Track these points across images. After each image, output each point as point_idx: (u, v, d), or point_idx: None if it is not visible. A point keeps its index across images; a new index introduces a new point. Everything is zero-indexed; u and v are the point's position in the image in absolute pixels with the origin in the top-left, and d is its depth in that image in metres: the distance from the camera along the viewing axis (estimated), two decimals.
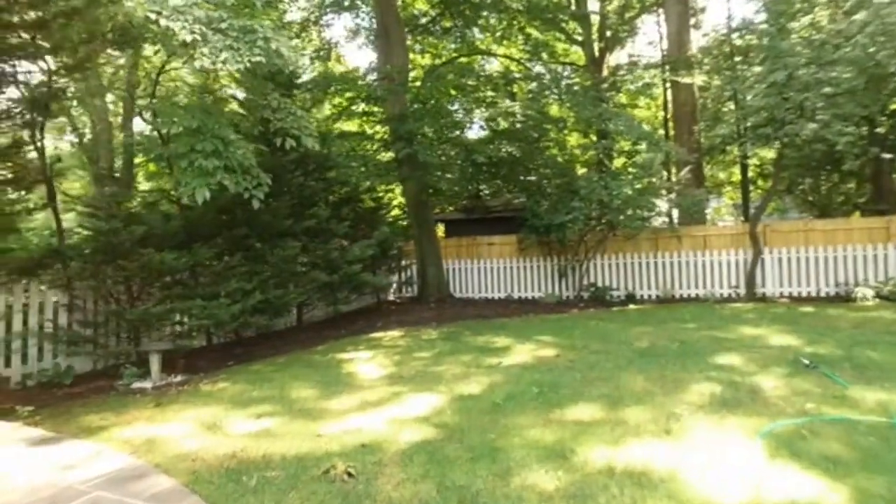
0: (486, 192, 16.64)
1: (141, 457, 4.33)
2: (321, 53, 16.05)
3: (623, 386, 5.68)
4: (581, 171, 15.73)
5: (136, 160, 11.32)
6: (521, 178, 13.91)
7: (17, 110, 6.66)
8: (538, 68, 16.91)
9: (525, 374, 6.40)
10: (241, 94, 8.58)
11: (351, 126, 16.00)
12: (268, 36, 5.80)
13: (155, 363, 6.76)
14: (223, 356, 8.29)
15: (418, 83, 15.16)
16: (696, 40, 16.32)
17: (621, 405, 5.07)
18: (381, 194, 15.50)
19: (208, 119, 6.40)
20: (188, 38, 5.33)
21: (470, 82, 14.32)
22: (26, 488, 3.76)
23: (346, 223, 10.59)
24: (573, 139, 14.98)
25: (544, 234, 12.83)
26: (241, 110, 8.78)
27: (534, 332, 9.35)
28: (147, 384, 6.54)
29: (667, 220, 14.39)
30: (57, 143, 10.87)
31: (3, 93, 6.55)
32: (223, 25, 5.71)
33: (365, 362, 7.58)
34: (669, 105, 18.30)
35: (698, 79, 14.44)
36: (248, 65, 5.64)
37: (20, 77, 6.64)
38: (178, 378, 6.83)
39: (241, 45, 5.69)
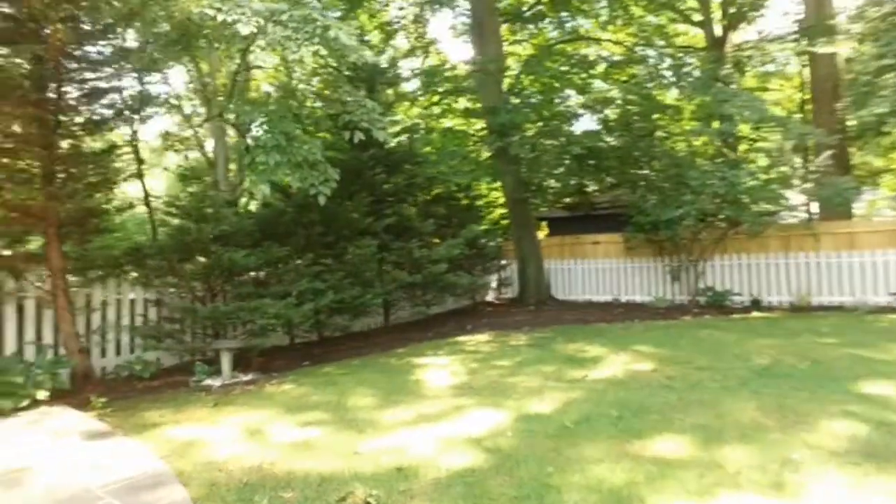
0: (592, 187, 15.50)
1: (171, 461, 4.13)
2: (417, 50, 15.88)
3: (727, 415, 4.62)
4: (700, 162, 14.09)
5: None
6: (629, 171, 12.66)
7: (112, 117, 7.01)
8: (650, 53, 15.42)
9: (609, 392, 5.51)
10: (314, 89, 8.50)
11: (451, 122, 15.64)
12: (327, 24, 5.48)
13: (225, 361, 6.76)
14: (301, 356, 8.21)
15: (517, 73, 14.44)
16: (840, 5, 13.92)
17: (720, 441, 4.06)
18: (481, 192, 15.00)
19: (272, 114, 6.24)
20: (245, 32, 5.15)
21: (572, 69, 13.32)
22: (46, 488, 3.68)
23: (433, 221, 10.18)
24: (687, 126, 13.39)
25: (651, 232, 11.54)
26: (315, 105, 8.69)
27: (633, 340, 8.29)
28: (216, 382, 6.52)
29: (804, 214, 12.35)
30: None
31: (98, 103, 6.89)
32: (284, 17, 5.48)
33: (438, 369, 7.07)
34: (807, 85, 15.87)
35: (844, 47, 12.22)
36: (305, 54, 5.35)
37: (112, 84, 6.98)
38: (248, 377, 6.76)
39: (300, 35, 5.42)
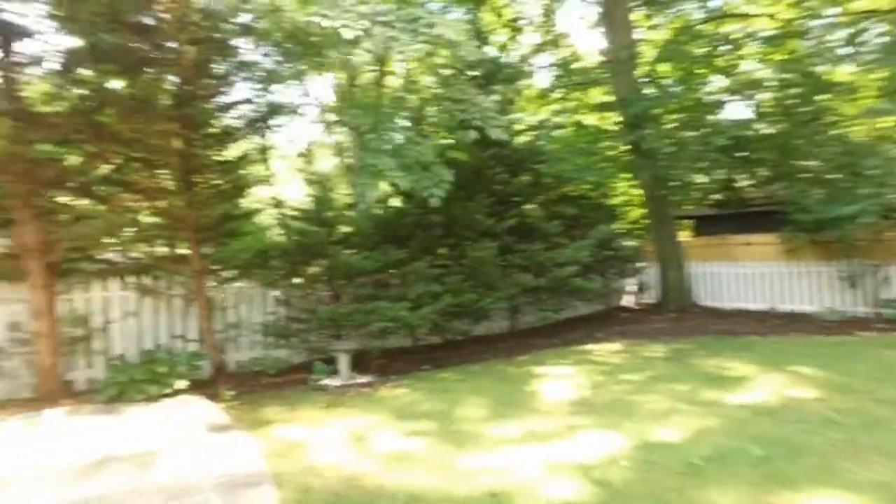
0: (744, 182, 13.81)
1: (274, 461, 4.23)
2: (547, 45, 15.30)
3: None
4: (886, 148, 11.86)
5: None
6: (787, 162, 11.00)
7: (242, 128, 7.55)
8: (815, 23, 13.31)
9: (753, 423, 4.71)
10: (428, 89, 8.45)
11: (582, 117, 14.87)
12: (432, 22, 5.34)
13: (342, 362, 6.92)
14: (422, 359, 8.20)
15: (652, 60, 13.30)
16: None
17: None
18: (618, 190, 14.08)
19: (382, 117, 6.26)
20: (350, 36, 5.18)
21: (715, 51, 11.92)
22: (165, 474, 3.95)
23: (560, 222, 9.68)
24: (866, 105, 11.25)
25: (815, 232, 9.92)
26: (431, 106, 8.61)
27: (792, 359, 7.12)
28: (333, 382, 6.70)
29: None
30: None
31: (228, 116, 7.46)
32: (390, 17, 5.44)
33: (558, 379, 6.62)
34: None
35: None
36: (410, 54, 5.25)
37: (240, 98, 7.53)
38: (365, 379, 6.86)
39: (406, 35, 5.34)
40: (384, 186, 8.27)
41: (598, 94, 14.16)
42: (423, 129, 7.78)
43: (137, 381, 6.05)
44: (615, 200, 13.97)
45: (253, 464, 4.19)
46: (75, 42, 6.25)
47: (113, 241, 6.84)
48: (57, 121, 6.23)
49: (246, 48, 6.94)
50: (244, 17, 6.11)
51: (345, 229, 7.62)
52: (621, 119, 11.96)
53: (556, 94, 14.41)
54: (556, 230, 9.61)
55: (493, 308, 8.72)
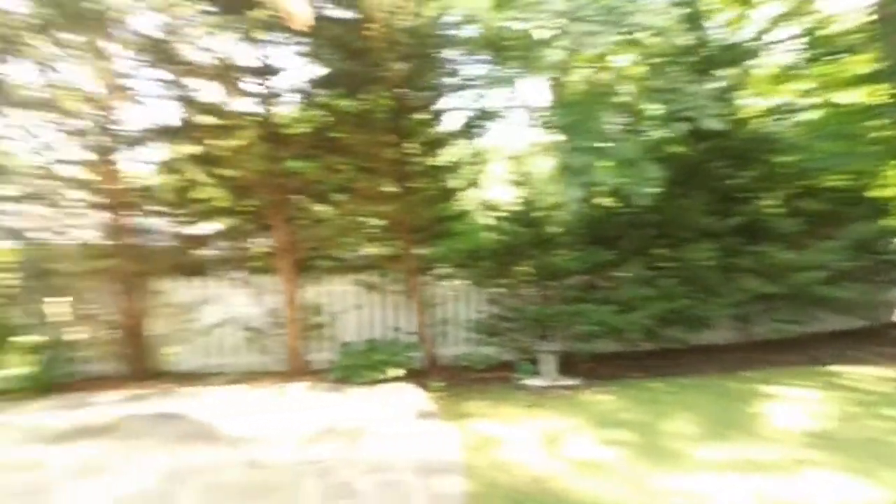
0: None
1: (468, 453, 4.43)
2: (787, 17, 13.09)
3: None
4: None
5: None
6: None
7: (454, 134, 8.05)
8: None
9: None
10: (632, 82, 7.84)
11: (833, 95, 12.47)
12: (631, 11, 5.04)
13: (547, 363, 6.90)
14: (632, 366, 7.74)
15: None
16: None
17: None
18: (886, 181, 11.47)
19: (589, 115, 6.08)
20: (544, 36, 5.17)
21: None
22: (371, 449, 4.44)
23: (799, 220, 8.29)
24: None
25: None
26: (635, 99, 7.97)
27: None
28: (537, 382, 6.72)
29: None
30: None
31: (439, 123, 8.01)
32: (586, 12, 5.29)
33: (791, 403, 5.70)
34: None
35: None
36: (609, 46, 5.04)
37: (449, 106, 8.02)
38: (570, 381, 6.75)
39: (603, 27, 5.14)
40: (592, 186, 8.04)
41: (858, 65, 11.69)
42: (630, 124, 7.35)
43: (360, 366, 6.87)
44: (884, 192, 11.39)
45: (449, 453, 4.45)
46: (314, 72, 7.38)
47: (344, 241, 7.89)
48: (300, 139, 7.40)
49: (452, 58, 7.38)
50: (445, 31, 6.49)
51: (553, 230, 7.62)
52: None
53: (800, 71, 12.28)
54: (795, 229, 8.24)
55: (715, 316, 7.85)
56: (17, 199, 6.72)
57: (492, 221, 8.01)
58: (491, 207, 8.29)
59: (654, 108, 6.88)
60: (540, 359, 7.02)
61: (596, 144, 5.95)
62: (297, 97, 7.69)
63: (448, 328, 8.06)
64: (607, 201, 8.59)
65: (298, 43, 7.21)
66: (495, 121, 7.86)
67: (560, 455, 4.38)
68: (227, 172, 7.31)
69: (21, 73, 6.48)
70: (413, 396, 6.21)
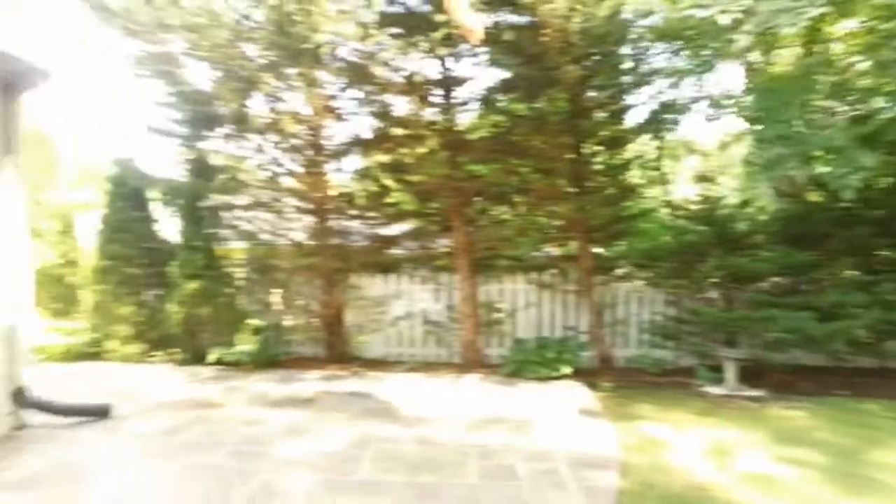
0: None
1: (627, 452, 4.38)
2: None
3: None
4: None
5: None
6: None
7: (633, 130, 7.78)
8: None
9: None
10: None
11: None
12: None
13: (729, 370, 6.37)
14: (838, 382, 6.73)
15: None
16: None
17: None
18: None
19: (783, 99, 5.49)
20: (727, 21, 4.83)
21: None
22: (533, 440, 4.60)
23: None
24: None
25: None
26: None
27: None
28: (717, 390, 6.24)
29: None
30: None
31: (618, 122, 7.80)
32: None
33: None
34: None
35: None
36: (803, 24, 4.55)
37: (628, 103, 7.76)
38: (754, 392, 6.15)
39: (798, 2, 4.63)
40: (789, 178, 7.22)
41: None
42: (840, 106, 6.41)
43: (531, 362, 7.06)
44: None
45: (608, 450, 4.44)
46: (493, 78, 7.76)
47: (520, 241, 8.13)
48: (480, 144, 7.83)
49: (632, 54, 7.16)
50: (623, 27, 6.32)
51: (741, 228, 6.98)
52: None
53: None
54: None
55: None
56: (248, 208, 8.20)
57: (673, 220, 7.60)
58: (673, 205, 7.85)
59: (881, 84, 5.91)
60: (723, 366, 6.50)
61: (795, 132, 5.32)
62: (477, 104, 8.16)
63: (623, 329, 7.85)
64: (810, 196, 7.60)
65: (476, 53, 7.65)
66: (681, 114, 7.44)
67: (728, 466, 4.10)
68: (414, 178, 8.04)
69: (254, 104, 7.92)
70: (581, 394, 6.22)
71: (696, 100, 7.64)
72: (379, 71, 7.27)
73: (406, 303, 8.29)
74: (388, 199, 8.55)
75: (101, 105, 31.39)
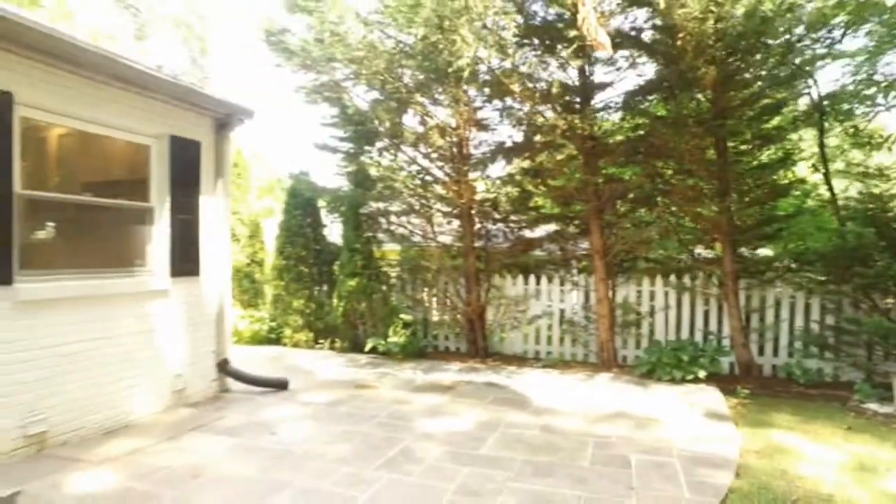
0: None
1: (748, 456, 4.36)
2: None
3: None
4: None
5: None
6: None
7: (783, 129, 7.32)
8: None
9: None
10: None
11: None
12: None
13: None
14: None
15: None
16: None
17: None
18: None
19: None
20: None
21: None
22: (657, 435, 4.72)
23: None
24: None
25: None
26: None
27: None
28: (881, 408, 5.70)
29: None
30: None
31: (765, 119, 7.39)
32: None
33: None
34: None
35: None
36: None
37: (781, 97, 7.32)
38: None
39: None
40: None
41: None
42: None
43: (665, 363, 7.03)
44: None
45: (726, 452, 4.45)
46: (632, 82, 7.84)
47: (659, 243, 8.09)
48: (618, 148, 7.92)
49: (780, 46, 6.79)
50: (767, 21, 6.06)
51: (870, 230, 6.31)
52: None
53: None
54: None
55: None
56: (401, 213, 9.16)
57: (834, 220, 7.04)
58: (834, 204, 7.26)
59: None
60: (893, 382, 5.93)
61: None
62: (617, 108, 8.27)
63: (769, 336, 7.44)
64: None
65: (614, 59, 7.79)
66: (847, 104, 6.89)
67: (866, 484, 3.90)
68: (555, 183, 8.39)
69: (407, 120, 8.84)
70: (713, 398, 6.12)
71: (863, 88, 6.99)
72: (518, 83, 7.72)
73: (544, 302, 8.64)
74: (530, 204, 9.01)
75: (280, 128, 36.06)
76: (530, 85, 7.75)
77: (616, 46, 7.11)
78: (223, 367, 6.26)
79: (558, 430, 5.07)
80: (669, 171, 7.97)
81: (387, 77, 7.80)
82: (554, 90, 7.51)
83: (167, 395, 5.59)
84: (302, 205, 9.60)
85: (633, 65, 7.87)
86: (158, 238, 5.58)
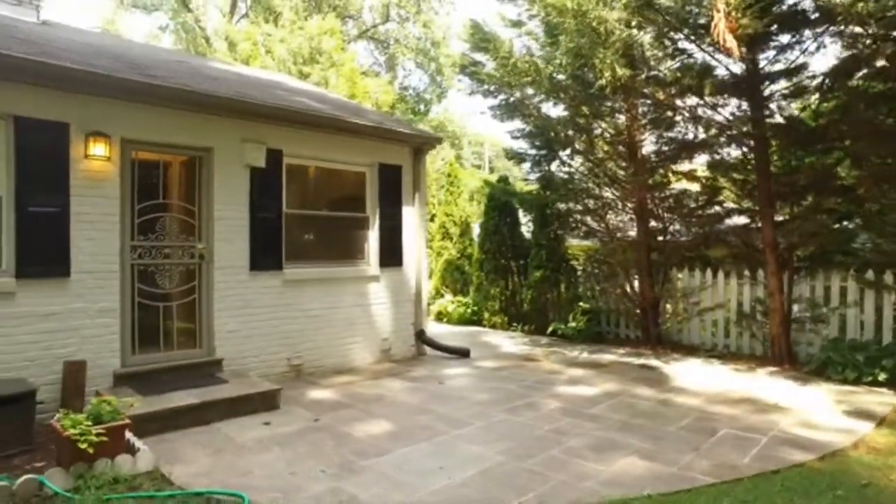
0: None
1: (848, 450, 4.41)
2: None
3: None
4: None
5: None
6: None
7: None
8: None
9: None
10: None
11: None
12: None
13: None
14: None
15: None
16: None
17: None
18: None
19: None
20: None
21: None
22: (759, 420, 5.01)
23: None
24: None
25: None
26: None
27: None
28: None
29: None
30: None
31: None
32: None
33: None
34: None
35: None
36: None
37: None
38: None
39: None
40: None
41: None
42: None
43: (838, 362, 6.73)
44: None
45: (828, 439, 4.60)
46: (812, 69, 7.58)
47: (844, 236, 7.57)
48: (813, 133, 7.63)
49: None
50: None
51: None
52: None
53: None
54: None
55: None
56: (583, 212, 10.10)
57: None
58: None
59: None
60: None
61: None
62: (800, 95, 7.98)
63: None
64: None
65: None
66: None
67: None
68: (737, 176, 8.46)
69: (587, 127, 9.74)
70: (874, 400, 5.81)
71: None
72: (678, 83, 8.01)
73: (719, 295, 8.71)
74: (709, 198, 9.12)
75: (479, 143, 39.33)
76: (688, 81, 7.92)
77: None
78: (419, 336, 8.21)
79: (673, 404, 5.67)
80: (861, 158, 7.39)
81: (559, 93, 8.88)
82: (719, 83, 7.66)
83: (377, 351, 7.74)
84: (498, 207, 11.21)
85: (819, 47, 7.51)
86: (372, 239, 7.75)
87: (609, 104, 8.92)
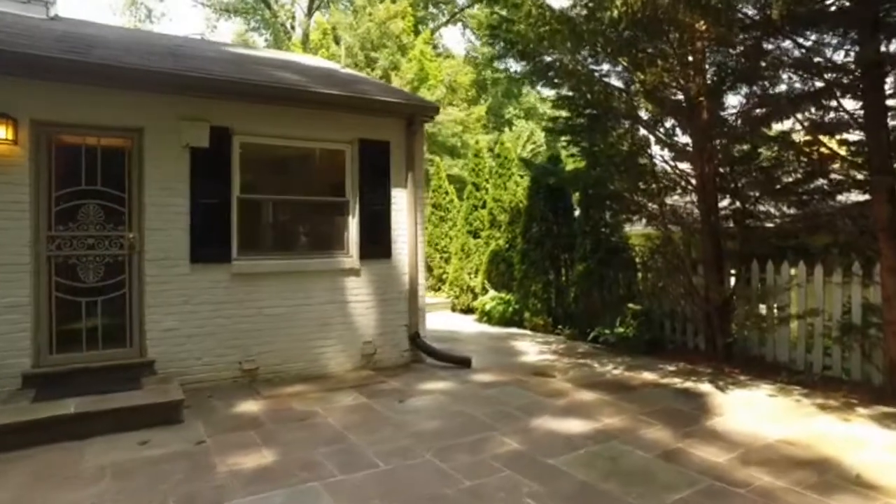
0: None
1: None
2: None
3: None
4: None
5: None
6: None
7: None
8: None
9: None
10: None
11: None
12: None
13: None
14: None
15: None
16: None
17: None
18: None
19: None
20: None
21: None
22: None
23: None
24: None
25: None
26: None
27: None
28: None
29: None
30: None
31: None
32: None
33: None
34: None
35: None
36: None
37: None
38: None
39: None
40: None
41: None
42: None
43: None
44: None
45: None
46: None
47: None
48: None
49: None
50: None
51: None
52: None
53: None
54: None
55: None
56: (634, 192, 8.20)
57: None
58: None
59: None
60: None
61: None
62: None
63: None
64: None
65: None
66: None
67: None
68: (851, 138, 6.22)
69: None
70: None
71: None
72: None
73: (814, 297, 6.52)
74: (805, 170, 6.89)
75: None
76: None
77: None
78: (415, 341, 7.04)
79: (683, 458, 3.98)
80: None
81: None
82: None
83: (358, 357, 6.70)
84: (542, 191, 9.60)
85: None
86: (353, 227, 6.72)
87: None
